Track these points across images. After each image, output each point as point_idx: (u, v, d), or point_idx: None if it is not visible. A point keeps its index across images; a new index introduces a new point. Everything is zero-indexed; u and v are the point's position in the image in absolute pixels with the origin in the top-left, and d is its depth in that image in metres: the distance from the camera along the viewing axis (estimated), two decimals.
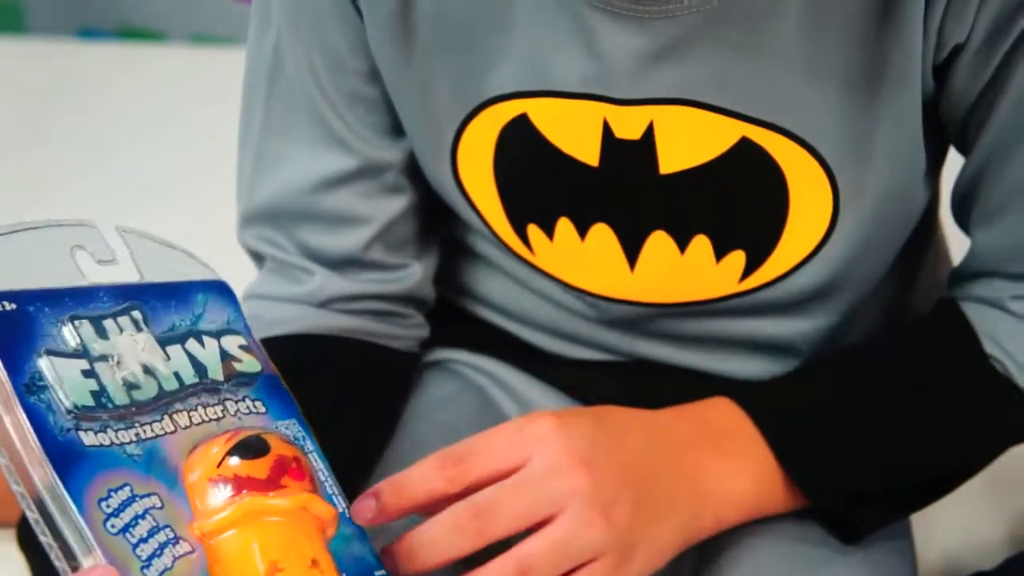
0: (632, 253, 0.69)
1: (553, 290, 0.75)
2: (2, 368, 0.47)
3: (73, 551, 0.46)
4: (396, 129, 0.72)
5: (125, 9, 2.32)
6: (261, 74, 0.71)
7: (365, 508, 0.56)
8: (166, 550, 0.48)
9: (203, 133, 1.50)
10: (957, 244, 0.76)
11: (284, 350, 0.60)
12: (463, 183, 0.71)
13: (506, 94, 0.66)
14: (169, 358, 0.54)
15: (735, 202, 0.67)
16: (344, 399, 0.70)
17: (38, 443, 0.47)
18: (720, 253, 0.68)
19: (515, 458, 0.58)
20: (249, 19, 0.71)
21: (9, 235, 0.52)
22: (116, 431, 0.49)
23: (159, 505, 0.49)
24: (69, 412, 0.48)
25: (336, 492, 0.56)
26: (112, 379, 0.51)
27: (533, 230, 0.71)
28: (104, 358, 0.51)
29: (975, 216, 0.68)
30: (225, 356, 0.56)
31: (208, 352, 0.56)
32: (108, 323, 0.52)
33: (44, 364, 0.49)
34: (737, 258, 0.68)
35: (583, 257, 0.70)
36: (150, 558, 0.47)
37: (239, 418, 0.55)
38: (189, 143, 1.57)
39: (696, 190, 0.66)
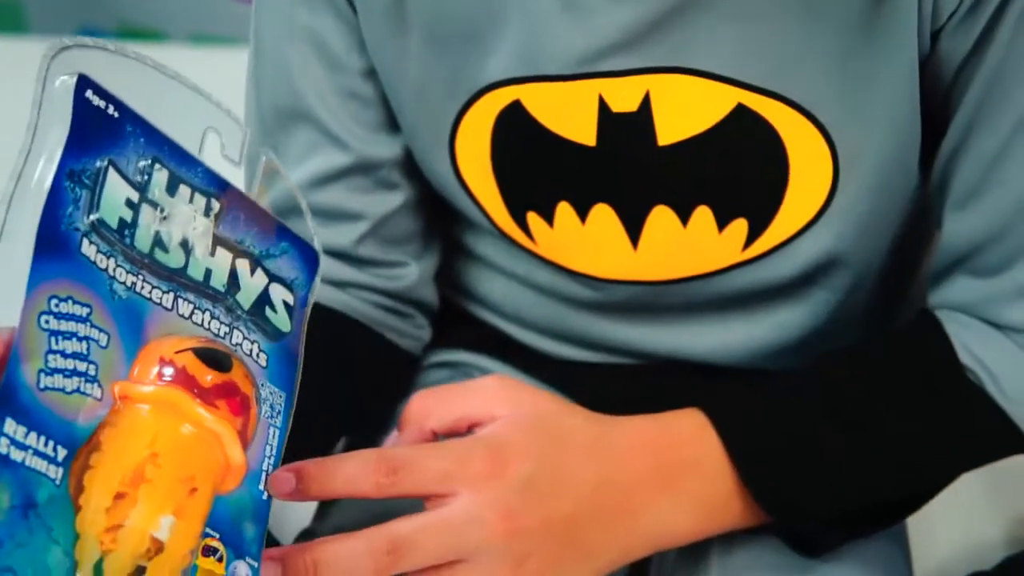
0: (634, 231, 0.69)
1: (554, 281, 0.74)
2: (64, 141, 0.49)
3: None
4: (391, 126, 0.74)
5: (125, 9, 2.38)
6: (253, 75, 0.74)
7: (283, 482, 0.53)
8: (76, 378, 0.47)
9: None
10: None
11: None
12: (463, 175, 0.71)
13: (499, 81, 0.67)
14: (213, 255, 0.54)
15: (735, 170, 0.66)
16: (339, 366, 0.70)
17: (41, 212, 0.47)
18: (722, 222, 0.67)
19: (444, 489, 0.58)
20: (249, 19, 0.73)
21: (168, 79, 0.54)
22: (119, 264, 0.49)
23: (103, 344, 0.48)
24: (90, 221, 0.49)
25: (268, 469, 0.54)
26: (147, 224, 0.51)
27: (533, 218, 0.71)
28: (155, 205, 0.51)
29: (949, 203, 0.66)
30: (265, 298, 0.56)
31: (253, 281, 0.55)
32: (183, 188, 0.53)
33: (99, 168, 0.50)
34: (739, 226, 0.67)
35: (585, 240, 0.70)
36: (55, 371, 0.46)
37: (236, 349, 0.54)
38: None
39: (695, 160, 0.66)
